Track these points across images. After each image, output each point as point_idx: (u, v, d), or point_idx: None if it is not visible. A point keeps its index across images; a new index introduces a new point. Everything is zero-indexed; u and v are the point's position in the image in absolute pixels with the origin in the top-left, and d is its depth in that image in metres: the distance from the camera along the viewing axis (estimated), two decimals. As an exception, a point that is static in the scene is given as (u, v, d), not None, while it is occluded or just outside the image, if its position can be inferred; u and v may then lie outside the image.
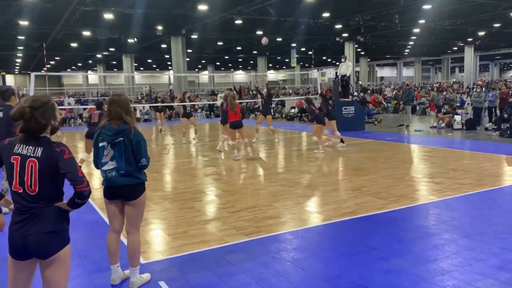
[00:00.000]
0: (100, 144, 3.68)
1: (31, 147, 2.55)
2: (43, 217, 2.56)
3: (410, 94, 17.10)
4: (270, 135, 14.18)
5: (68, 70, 60.10)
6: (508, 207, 5.98)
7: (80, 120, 23.56)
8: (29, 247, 2.53)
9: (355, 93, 21.93)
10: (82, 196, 2.60)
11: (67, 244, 2.64)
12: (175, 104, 20.51)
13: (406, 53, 53.25)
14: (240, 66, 68.31)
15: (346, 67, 16.65)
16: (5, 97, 6.29)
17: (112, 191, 3.71)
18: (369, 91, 31.56)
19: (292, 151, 11.75)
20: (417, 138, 13.81)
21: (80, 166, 9.02)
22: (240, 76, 73.05)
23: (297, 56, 42.25)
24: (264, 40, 15.80)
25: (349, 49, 34.51)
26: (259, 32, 30.37)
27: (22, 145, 2.56)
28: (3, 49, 33.94)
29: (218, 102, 19.59)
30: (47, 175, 2.54)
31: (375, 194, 6.67)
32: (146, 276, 3.88)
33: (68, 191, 2.67)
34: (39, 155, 2.53)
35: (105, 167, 3.66)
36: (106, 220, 5.52)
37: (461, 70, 65.82)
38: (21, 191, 2.54)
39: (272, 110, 13.63)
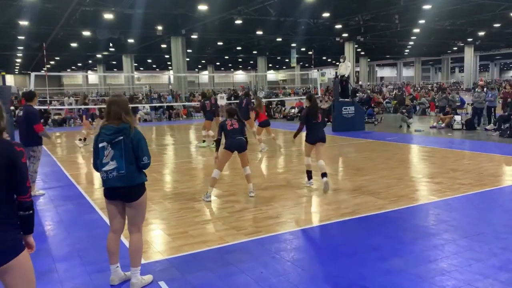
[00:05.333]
0: (100, 145, 3.66)
1: None
2: None
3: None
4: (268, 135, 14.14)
5: (68, 70, 60.19)
6: (508, 207, 5.98)
7: (81, 121, 23.51)
8: None
9: (357, 94, 21.96)
10: (22, 206, 2.51)
11: (23, 250, 2.53)
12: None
13: (406, 53, 53.33)
14: (240, 66, 68.39)
15: (345, 68, 16.63)
16: (29, 98, 7.20)
17: (112, 192, 3.69)
18: (368, 92, 31.55)
19: (292, 151, 11.75)
20: (417, 138, 13.81)
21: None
22: (240, 76, 73.06)
23: (297, 56, 42.29)
24: None
25: (349, 49, 34.53)
26: (259, 32, 30.41)
27: None
28: (3, 49, 33.99)
29: (220, 102, 19.54)
30: (1, 172, 2.42)
31: (375, 194, 6.67)
32: (148, 277, 3.86)
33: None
34: None
35: (106, 168, 3.63)
36: (106, 220, 5.53)
37: (461, 70, 65.85)
38: None
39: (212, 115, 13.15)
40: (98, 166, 3.73)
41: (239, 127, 6.62)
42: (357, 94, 23.97)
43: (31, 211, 2.57)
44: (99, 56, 43.10)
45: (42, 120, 21.63)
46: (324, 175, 6.79)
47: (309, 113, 7.02)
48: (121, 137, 3.60)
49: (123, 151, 3.60)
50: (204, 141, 13.04)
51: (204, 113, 13.54)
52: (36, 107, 7.38)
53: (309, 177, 7.31)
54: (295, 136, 7.15)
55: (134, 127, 3.65)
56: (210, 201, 6.57)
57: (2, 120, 2.56)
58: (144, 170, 3.75)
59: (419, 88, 40.90)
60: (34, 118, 7.05)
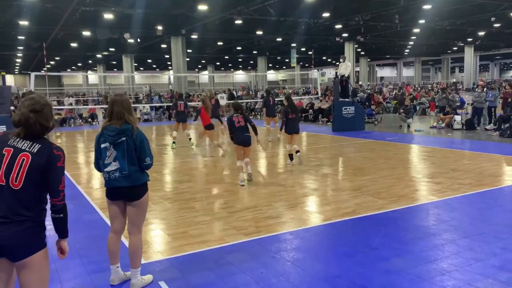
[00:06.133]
0: (102, 145, 3.65)
1: (28, 142, 2.48)
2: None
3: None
4: (274, 134, 14.14)
5: (68, 70, 60.16)
6: (508, 207, 5.98)
7: (81, 120, 23.53)
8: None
9: (359, 94, 21.97)
10: (53, 209, 2.53)
11: (42, 249, 2.52)
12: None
13: (406, 53, 53.31)
14: (240, 66, 68.35)
15: (345, 68, 16.63)
16: None
17: (115, 192, 3.69)
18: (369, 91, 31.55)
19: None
20: (417, 138, 13.81)
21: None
22: (240, 76, 73.04)
23: (297, 56, 42.29)
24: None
25: (349, 49, 34.55)
26: (259, 32, 30.41)
27: (18, 139, 2.49)
28: (3, 49, 33.97)
29: (220, 102, 19.58)
30: (36, 173, 2.45)
31: (375, 194, 6.67)
32: (148, 277, 3.86)
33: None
34: (35, 151, 2.46)
35: (108, 168, 3.63)
36: (106, 220, 5.53)
37: (461, 70, 65.86)
38: (4, 183, 2.43)
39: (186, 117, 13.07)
40: (100, 166, 3.72)
41: (245, 124, 7.47)
42: (358, 94, 24.00)
43: (61, 215, 2.58)
44: (99, 56, 43.09)
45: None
46: (297, 151, 9.20)
47: (287, 110, 9.06)
48: (124, 138, 3.59)
49: (126, 152, 3.60)
50: (174, 142, 12.82)
51: (176, 114, 13.11)
52: None
53: (291, 158, 9.29)
54: (281, 129, 9.31)
55: (136, 127, 3.65)
56: (243, 185, 7.46)
57: (52, 119, 2.58)
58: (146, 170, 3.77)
59: (419, 88, 40.90)
60: None
